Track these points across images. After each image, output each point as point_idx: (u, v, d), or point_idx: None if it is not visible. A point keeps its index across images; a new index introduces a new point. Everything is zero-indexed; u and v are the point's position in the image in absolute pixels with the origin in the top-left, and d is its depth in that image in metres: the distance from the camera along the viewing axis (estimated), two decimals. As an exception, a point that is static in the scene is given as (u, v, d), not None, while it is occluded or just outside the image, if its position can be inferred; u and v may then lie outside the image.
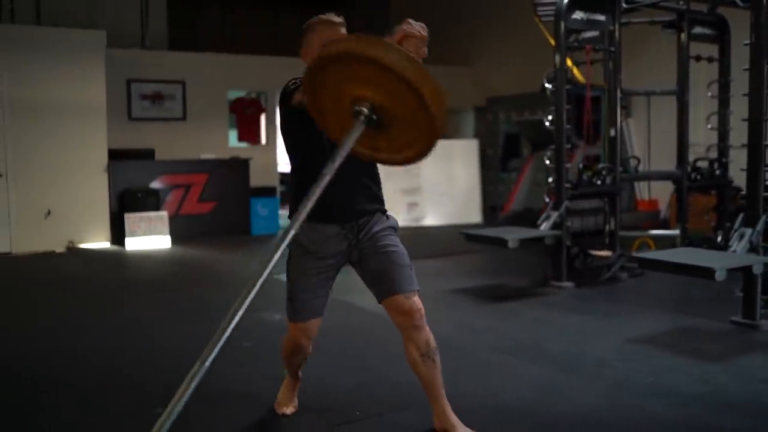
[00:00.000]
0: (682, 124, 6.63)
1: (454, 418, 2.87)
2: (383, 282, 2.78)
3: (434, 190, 10.58)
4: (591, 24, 6.11)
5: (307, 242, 2.77)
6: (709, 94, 6.88)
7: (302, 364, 3.18)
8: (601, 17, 6.09)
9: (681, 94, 6.60)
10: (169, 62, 10.51)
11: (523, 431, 3.01)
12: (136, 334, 4.67)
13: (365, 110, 2.11)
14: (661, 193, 8.83)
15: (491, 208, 10.92)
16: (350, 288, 5.64)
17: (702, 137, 7.80)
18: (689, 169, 6.64)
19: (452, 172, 10.72)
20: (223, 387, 3.56)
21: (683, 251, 5.05)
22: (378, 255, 2.79)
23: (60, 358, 4.17)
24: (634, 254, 4.61)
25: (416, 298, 2.79)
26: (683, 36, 6.58)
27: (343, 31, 2.77)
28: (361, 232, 2.81)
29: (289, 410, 3.17)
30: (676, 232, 6.68)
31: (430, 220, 10.42)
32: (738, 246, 4.44)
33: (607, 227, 6.21)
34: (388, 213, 2.93)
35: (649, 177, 7.58)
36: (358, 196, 2.81)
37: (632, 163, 6.61)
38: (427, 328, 2.81)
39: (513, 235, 5.63)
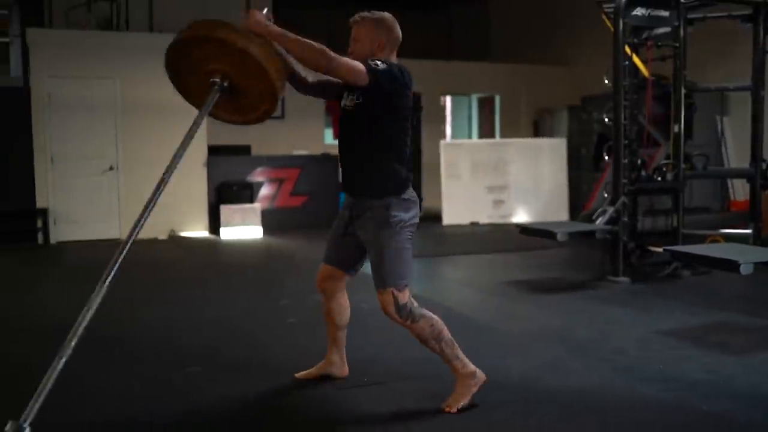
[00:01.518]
0: (756, 120, 6.45)
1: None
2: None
3: (521, 187, 10.67)
4: (654, 20, 6.09)
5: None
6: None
7: (335, 335, 3.44)
8: (665, 13, 6.06)
9: (756, 90, 6.42)
10: (269, 64, 11.16)
11: (512, 398, 3.22)
12: (202, 307, 5.21)
13: (218, 80, 2.69)
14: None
15: (584, 207, 10.85)
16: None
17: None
18: (765, 166, 6.46)
19: (540, 170, 10.77)
20: (256, 355, 3.98)
21: (720, 246, 5.01)
22: (360, 242, 3.10)
23: (130, 322, 4.75)
24: (665, 248, 4.63)
25: (386, 296, 2.97)
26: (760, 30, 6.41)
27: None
28: (354, 210, 3.10)
29: (303, 374, 3.51)
30: (749, 231, 6.51)
31: (518, 218, 10.52)
32: (779, 242, 4.39)
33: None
34: (391, 204, 2.98)
35: (719, 175, 7.38)
36: (355, 173, 3.09)
37: (699, 160, 6.49)
38: (409, 321, 3.01)
39: (563, 228, 5.73)
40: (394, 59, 3.08)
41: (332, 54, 2.74)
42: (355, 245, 3.16)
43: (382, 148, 3.00)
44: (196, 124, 2.75)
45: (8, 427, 2.29)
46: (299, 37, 2.76)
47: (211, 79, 2.73)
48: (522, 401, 3.20)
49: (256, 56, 2.62)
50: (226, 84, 2.74)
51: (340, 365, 3.48)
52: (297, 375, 3.50)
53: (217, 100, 2.76)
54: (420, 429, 2.94)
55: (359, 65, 2.80)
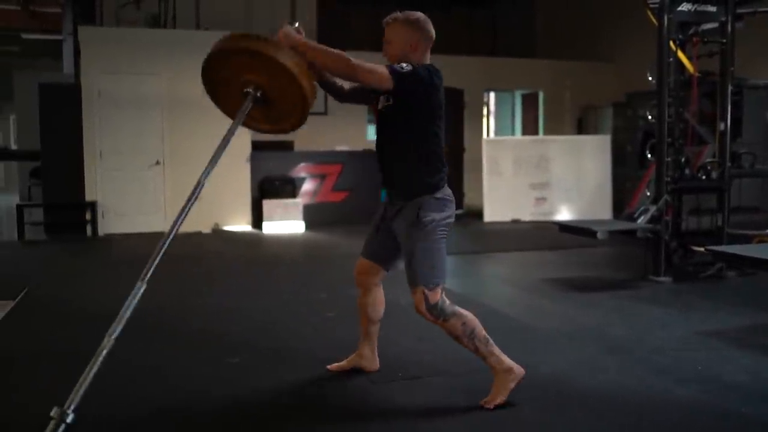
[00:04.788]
0: (807, 118, 6.29)
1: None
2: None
3: (563, 185, 10.57)
4: (701, 16, 5.98)
5: None
6: None
7: (367, 328, 3.49)
8: (712, 8, 5.94)
9: (806, 87, 6.27)
10: (313, 61, 11.26)
11: (543, 396, 3.21)
12: (242, 299, 5.31)
13: (251, 90, 2.82)
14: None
15: (628, 206, 10.71)
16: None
17: None
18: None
19: (582, 167, 10.65)
20: (293, 347, 4.05)
21: (765, 246, 4.88)
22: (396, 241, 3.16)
23: (173, 312, 4.87)
24: (707, 248, 4.54)
25: (418, 295, 3.00)
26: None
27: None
28: (390, 209, 3.16)
29: (335, 366, 3.57)
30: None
31: (560, 215, 10.43)
32: (825, 243, 4.28)
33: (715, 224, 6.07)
34: (423, 203, 3.00)
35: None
36: (390, 173, 3.14)
37: (747, 158, 6.35)
38: (441, 320, 3.03)
39: (603, 226, 5.68)
40: (428, 59, 3.10)
41: (355, 62, 2.77)
42: (392, 241, 3.20)
43: (414, 149, 3.04)
44: (230, 132, 2.87)
45: (53, 412, 2.39)
46: (325, 48, 2.81)
47: (245, 89, 2.85)
48: (554, 400, 3.20)
49: (288, 67, 2.71)
50: (259, 94, 2.85)
51: (371, 359, 3.53)
52: (329, 367, 3.57)
53: (250, 109, 2.87)
54: (451, 424, 2.96)
55: (383, 70, 2.83)
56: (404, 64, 2.90)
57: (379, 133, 3.18)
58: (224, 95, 2.97)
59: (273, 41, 2.75)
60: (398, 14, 3.08)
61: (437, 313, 3.00)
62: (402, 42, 3.04)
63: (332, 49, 2.80)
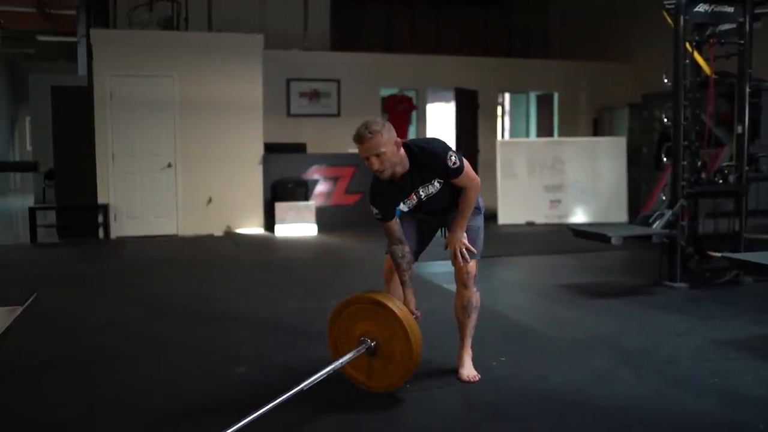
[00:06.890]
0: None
1: (466, 359, 3.54)
2: None
3: (578, 187, 10.47)
4: (718, 16, 5.86)
5: None
6: None
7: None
8: (729, 9, 5.83)
9: (828, 89, 6.14)
10: (326, 62, 11.24)
11: (553, 408, 3.15)
12: (253, 304, 5.27)
13: (369, 341, 3.15)
14: None
15: (642, 208, 10.58)
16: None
17: None
18: (835, 169, 6.16)
19: (598, 169, 10.54)
20: (303, 356, 4.01)
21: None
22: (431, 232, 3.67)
23: (182, 317, 4.85)
24: (723, 254, 4.44)
25: (473, 264, 3.44)
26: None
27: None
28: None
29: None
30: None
31: (575, 218, 10.33)
32: None
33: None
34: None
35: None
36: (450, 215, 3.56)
37: (765, 161, 6.23)
38: (474, 289, 3.47)
39: (617, 232, 5.58)
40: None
41: (471, 189, 3.34)
42: (427, 236, 3.63)
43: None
44: (339, 364, 3.13)
45: None
46: (466, 212, 3.37)
47: (362, 338, 3.18)
48: (563, 412, 3.12)
49: (413, 343, 3.06)
50: (373, 344, 3.16)
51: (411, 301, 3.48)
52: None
53: (359, 356, 3.17)
54: (459, 437, 2.91)
55: (473, 175, 3.35)
56: (453, 157, 3.27)
57: (433, 204, 3.42)
58: (344, 343, 3.28)
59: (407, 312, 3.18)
60: (373, 125, 3.26)
61: (476, 282, 3.49)
62: (392, 147, 3.28)
63: (468, 205, 3.36)
